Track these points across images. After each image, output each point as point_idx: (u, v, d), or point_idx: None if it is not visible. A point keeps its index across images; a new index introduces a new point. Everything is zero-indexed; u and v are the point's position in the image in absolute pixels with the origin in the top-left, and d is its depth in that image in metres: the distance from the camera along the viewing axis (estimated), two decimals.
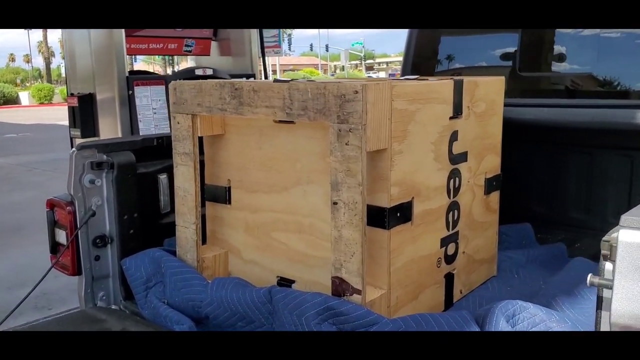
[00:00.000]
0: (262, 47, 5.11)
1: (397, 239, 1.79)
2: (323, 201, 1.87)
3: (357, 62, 62.50)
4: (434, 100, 1.89)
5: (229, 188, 2.13)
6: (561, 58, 3.12)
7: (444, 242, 2.04)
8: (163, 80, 4.41)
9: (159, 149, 2.40)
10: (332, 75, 50.57)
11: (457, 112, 2.02)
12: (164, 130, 4.39)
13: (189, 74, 4.59)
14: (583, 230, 2.99)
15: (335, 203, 1.68)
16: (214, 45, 5.27)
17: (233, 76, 4.80)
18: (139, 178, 2.30)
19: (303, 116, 1.72)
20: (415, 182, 1.85)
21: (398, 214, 1.78)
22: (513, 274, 2.44)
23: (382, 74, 43.66)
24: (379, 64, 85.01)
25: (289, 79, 1.87)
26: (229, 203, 2.14)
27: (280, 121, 1.92)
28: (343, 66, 58.93)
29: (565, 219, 3.02)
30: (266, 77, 5.35)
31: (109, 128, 4.35)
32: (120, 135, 4.26)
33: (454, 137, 2.02)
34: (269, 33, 5.53)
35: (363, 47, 56.45)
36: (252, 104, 1.83)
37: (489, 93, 2.21)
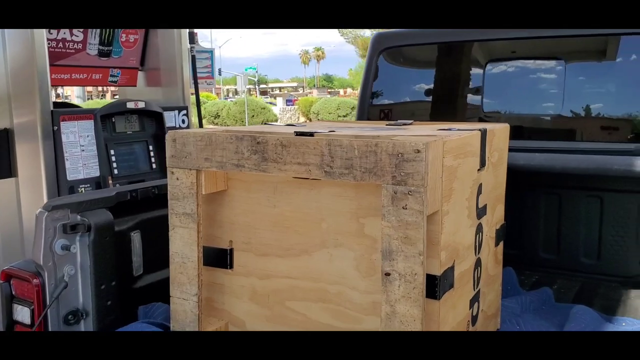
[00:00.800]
0: (195, 79, 4.82)
1: (444, 308, 1.63)
2: (354, 266, 1.67)
3: (251, 86, 62.42)
4: (468, 154, 1.76)
5: (232, 250, 1.87)
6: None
7: (471, 303, 1.90)
8: (92, 114, 3.99)
9: (131, 204, 2.10)
10: (227, 98, 50.00)
11: (483, 164, 1.90)
12: (93, 170, 3.98)
13: (120, 107, 4.19)
14: (555, 270, 3.00)
15: (387, 274, 1.49)
16: (141, 75, 4.89)
17: (165, 109, 4.47)
18: (115, 239, 1.98)
19: (347, 175, 1.52)
20: (456, 243, 1.70)
21: (445, 281, 1.61)
22: (514, 324, 2.35)
23: (280, 99, 43.73)
24: (272, 89, 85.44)
25: (311, 131, 1.66)
26: (231, 268, 1.88)
27: (299, 177, 1.70)
28: (236, 89, 58.56)
29: (537, 259, 3.02)
30: (199, 110, 5.04)
31: (30, 168, 3.87)
32: (44, 177, 3.80)
33: (480, 190, 1.90)
34: (201, 64, 5.23)
35: (257, 72, 56.33)
36: (279, 160, 1.61)
37: (500, 142, 2.12)
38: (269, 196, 1.78)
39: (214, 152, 1.70)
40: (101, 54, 4.53)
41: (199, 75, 4.80)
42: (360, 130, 1.84)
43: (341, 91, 62.01)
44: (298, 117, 32.25)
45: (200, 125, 5.29)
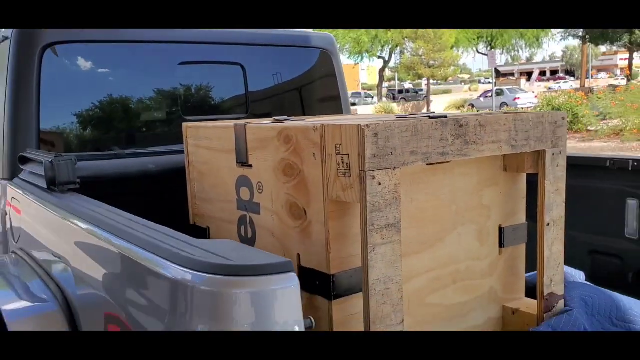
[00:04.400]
0: None
1: None
2: (476, 238, 1.82)
3: None
4: None
5: None
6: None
7: None
8: None
9: None
10: None
11: None
12: None
13: None
14: None
15: (547, 224, 1.79)
16: None
17: None
18: None
19: (525, 146, 1.70)
20: None
21: None
22: None
23: None
24: None
25: (444, 114, 1.69)
26: None
27: (434, 163, 1.68)
28: None
29: None
30: None
31: None
32: None
33: None
34: None
35: None
36: (478, 141, 1.58)
37: None
38: (406, 190, 1.62)
39: (419, 143, 1.45)
40: None
41: None
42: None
43: None
44: None
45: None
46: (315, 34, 3.46)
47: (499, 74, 48.27)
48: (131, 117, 2.92)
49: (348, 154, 1.41)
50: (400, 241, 1.44)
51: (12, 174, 2.54)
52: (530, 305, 1.88)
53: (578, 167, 2.51)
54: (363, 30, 31.40)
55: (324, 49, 3.34)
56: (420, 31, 28.26)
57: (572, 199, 2.31)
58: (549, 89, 39.94)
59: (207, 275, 1.05)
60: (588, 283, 2.09)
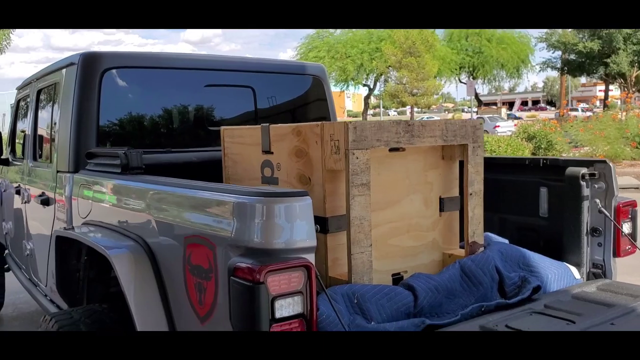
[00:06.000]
0: None
1: None
2: (423, 204, 2.70)
3: None
4: None
5: None
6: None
7: None
8: None
9: None
10: None
11: None
12: None
13: None
14: None
15: (471, 194, 2.68)
16: None
17: None
18: None
19: (453, 141, 2.60)
20: None
21: None
22: None
23: None
24: None
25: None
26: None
27: (393, 150, 2.56)
28: None
29: None
30: None
31: None
32: None
33: None
34: None
35: None
36: (420, 135, 2.47)
37: None
38: (376, 167, 2.50)
39: (382, 135, 2.34)
40: None
41: None
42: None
43: None
44: None
45: None
46: (309, 64, 4.38)
47: (480, 103, 49.72)
48: (169, 125, 3.81)
49: (338, 140, 2.29)
50: (369, 194, 2.32)
51: (76, 168, 3.38)
52: (461, 252, 2.75)
53: (506, 165, 3.42)
54: (349, 60, 32.67)
55: (316, 76, 4.24)
56: (404, 60, 29.48)
57: (504, 190, 3.23)
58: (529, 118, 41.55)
59: (260, 198, 1.90)
60: (506, 241, 2.97)
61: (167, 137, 3.74)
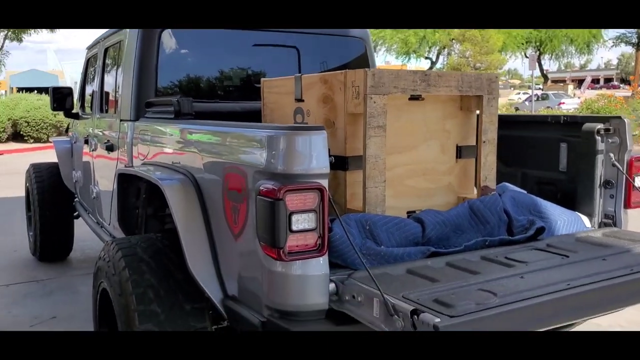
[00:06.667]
0: None
1: None
2: (440, 150, 2.94)
3: None
4: None
5: None
6: None
7: None
8: None
9: None
10: None
11: None
12: None
13: None
14: None
15: (484, 142, 2.91)
16: None
17: None
18: None
19: (468, 91, 2.83)
20: None
21: None
22: None
23: None
24: None
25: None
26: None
27: (412, 98, 2.81)
28: None
29: None
30: None
31: None
32: None
33: None
34: None
35: None
36: (437, 85, 2.72)
37: None
38: (395, 114, 2.77)
39: (399, 82, 2.61)
40: None
41: None
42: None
43: None
44: None
45: None
46: None
47: (546, 79, 48.22)
48: (217, 79, 4.19)
49: (359, 86, 2.57)
50: (385, 136, 2.60)
51: (137, 116, 3.78)
52: (474, 195, 3.00)
53: (531, 122, 3.61)
54: (411, 31, 32.39)
55: (360, 38, 4.49)
56: (468, 33, 29.02)
57: (527, 146, 3.44)
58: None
59: (284, 131, 2.22)
60: (523, 192, 3.19)
61: (216, 89, 4.11)
